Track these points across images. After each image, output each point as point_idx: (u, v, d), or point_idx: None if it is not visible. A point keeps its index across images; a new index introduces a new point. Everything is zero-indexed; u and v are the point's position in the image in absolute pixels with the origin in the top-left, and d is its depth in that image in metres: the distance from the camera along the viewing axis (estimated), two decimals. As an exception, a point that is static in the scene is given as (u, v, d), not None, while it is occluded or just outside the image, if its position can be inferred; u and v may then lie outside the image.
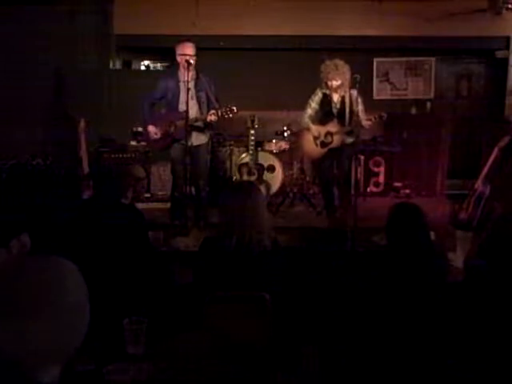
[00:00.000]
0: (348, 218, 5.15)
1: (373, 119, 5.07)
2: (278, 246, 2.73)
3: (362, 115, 5.09)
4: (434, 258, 2.55)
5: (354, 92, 5.08)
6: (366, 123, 5.07)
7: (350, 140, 5.19)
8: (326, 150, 5.27)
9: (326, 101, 5.22)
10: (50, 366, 1.14)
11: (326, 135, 5.24)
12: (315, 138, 5.28)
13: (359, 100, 5.10)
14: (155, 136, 5.07)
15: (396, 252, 2.56)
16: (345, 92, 5.15)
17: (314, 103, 5.25)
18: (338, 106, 5.19)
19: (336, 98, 5.20)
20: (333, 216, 5.45)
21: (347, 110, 5.14)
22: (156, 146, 5.41)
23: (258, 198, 2.72)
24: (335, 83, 5.09)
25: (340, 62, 5.09)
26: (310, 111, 5.27)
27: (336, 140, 5.20)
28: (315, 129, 5.26)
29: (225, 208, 2.79)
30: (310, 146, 5.35)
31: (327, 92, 5.21)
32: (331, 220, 5.44)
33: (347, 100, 5.15)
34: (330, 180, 5.41)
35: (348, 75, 5.09)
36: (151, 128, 5.06)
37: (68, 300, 1.14)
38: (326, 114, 5.24)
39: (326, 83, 5.15)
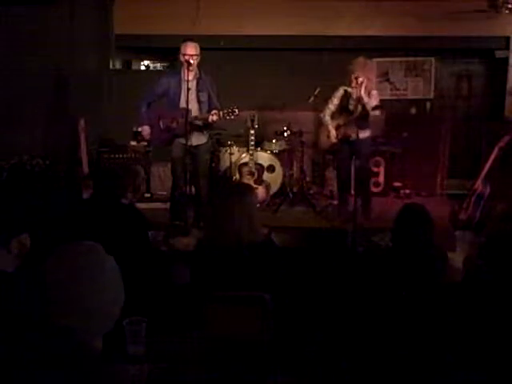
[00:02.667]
0: (363, 216, 5.22)
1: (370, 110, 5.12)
2: (273, 245, 2.73)
3: (373, 103, 5.15)
4: (436, 259, 2.55)
5: (374, 92, 5.25)
6: (372, 112, 5.14)
7: (364, 134, 5.27)
8: (336, 141, 5.42)
9: (346, 97, 5.36)
10: (98, 333, 1.42)
11: (336, 128, 5.40)
12: (329, 131, 5.44)
13: (375, 96, 5.21)
14: (147, 137, 5.18)
15: (399, 251, 2.56)
16: (365, 90, 5.19)
17: (335, 99, 5.42)
18: (354, 102, 5.24)
19: (355, 94, 5.26)
20: (340, 213, 5.50)
21: (360, 107, 5.18)
22: (157, 142, 5.42)
23: (249, 200, 2.73)
24: (358, 78, 5.13)
25: (369, 61, 5.25)
26: (331, 107, 5.46)
27: (342, 132, 5.34)
28: (331, 123, 5.43)
29: (216, 209, 2.80)
30: (324, 137, 5.56)
31: (349, 89, 5.32)
32: (336, 217, 5.49)
33: (364, 97, 5.18)
34: (345, 174, 5.50)
35: (373, 76, 5.29)
36: (145, 128, 5.13)
37: (107, 277, 1.41)
38: (342, 109, 5.40)
39: (351, 77, 5.20)
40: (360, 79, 5.12)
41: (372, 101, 5.17)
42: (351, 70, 5.20)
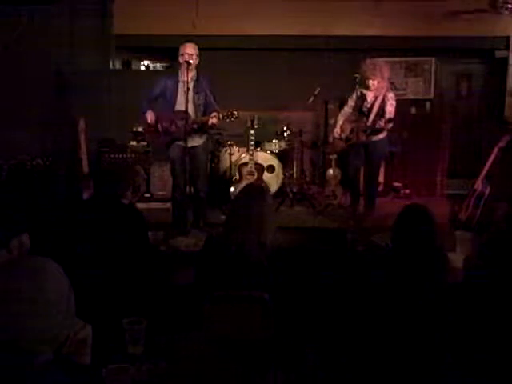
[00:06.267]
0: (367, 216, 5.20)
1: (383, 124, 5.03)
2: (279, 248, 2.72)
3: (386, 115, 5.08)
4: (436, 260, 2.54)
5: (390, 94, 5.17)
6: (379, 124, 5.06)
7: (377, 138, 5.22)
8: (346, 144, 5.37)
9: (361, 99, 5.29)
10: (41, 349, 1.34)
11: (350, 131, 5.33)
12: (341, 133, 5.39)
13: (390, 102, 5.14)
14: (150, 122, 5.02)
15: (399, 252, 2.55)
16: (380, 93, 5.15)
17: (351, 101, 5.38)
18: (369, 105, 5.19)
19: (370, 97, 5.22)
20: (352, 213, 5.51)
21: (375, 110, 5.13)
22: (156, 143, 5.40)
23: (265, 203, 2.71)
24: (372, 82, 5.09)
25: (381, 63, 5.14)
26: (346, 108, 5.42)
27: (354, 137, 5.25)
28: (342, 125, 5.38)
29: (232, 209, 2.79)
30: (336, 140, 5.52)
31: (364, 91, 5.26)
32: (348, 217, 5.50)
33: (378, 101, 5.15)
34: (354, 175, 5.43)
35: (386, 76, 5.17)
36: (149, 114, 5.00)
37: (49, 294, 1.34)
38: (357, 111, 5.32)
39: (364, 81, 5.18)
40: (371, 82, 5.09)
41: (387, 107, 5.10)
42: (362, 73, 5.17)
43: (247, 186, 3.21)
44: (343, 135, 5.39)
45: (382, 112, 5.10)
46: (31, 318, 1.31)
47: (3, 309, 1.31)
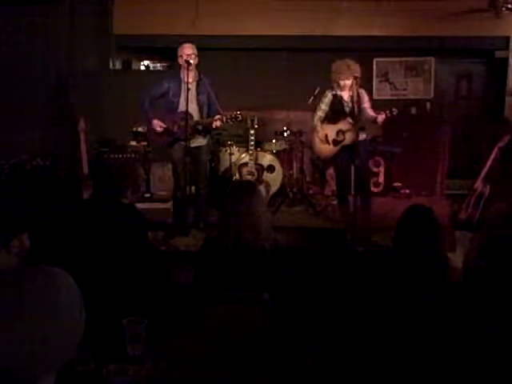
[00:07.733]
0: (363, 216, 5.17)
1: (387, 114, 4.99)
2: (278, 247, 2.73)
3: (370, 112, 5.06)
4: (438, 261, 2.53)
5: (362, 90, 5.14)
6: (380, 118, 5.01)
7: (363, 136, 5.18)
8: (338, 147, 5.25)
9: (337, 101, 5.21)
10: (44, 374, 1.15)
11: (337, 133, 5.22)
12: (326, 137, 5.27)
13: (367, 98, 5.14)
14: (159, 129, 5.01)
15: (401, 253, 2.55)
16: (353, 91, 5.10)
17: (323, 105, 5.27)
18: (350, 104, 5.15)
19: (346, 96, 5.17)
20: (341, 213, 5.46)
21: (356, 107, 5.11)
22: (157, 143, 5.38)
23: (255, 198, 2.72)
24: (347, 82, 5.07)
25: (351, 62, 5.09)
26: (319, 113, 5.29)
27: (348, 137, 5.17)
28: (326, 128, 5.27)
29: (223, 208, 2.80)
30: (322, 144, 5.35)
31: (337, 92, 5.19)
32: (340, 217, 5.45)
33: (355, 98, 5.12)
34: (346, 177, 5.37)
35: (359, 74, 5.12)
36: (156, 122, 5.01)
37: (61, 309, 1.15)
38: (337, 113, 5.22)
39: (338, 82, 5.13)
40: (346, 82, 5.06)
41: (365, 103, 5.08)
42: (334, 75, 5.10)
43: (235, 183, 3.22)
44: (329, 138, 5.31)
45: (359, 109, 5.07)
46: (37, 341, 1.12)
47: (4, 328, 1.11)
